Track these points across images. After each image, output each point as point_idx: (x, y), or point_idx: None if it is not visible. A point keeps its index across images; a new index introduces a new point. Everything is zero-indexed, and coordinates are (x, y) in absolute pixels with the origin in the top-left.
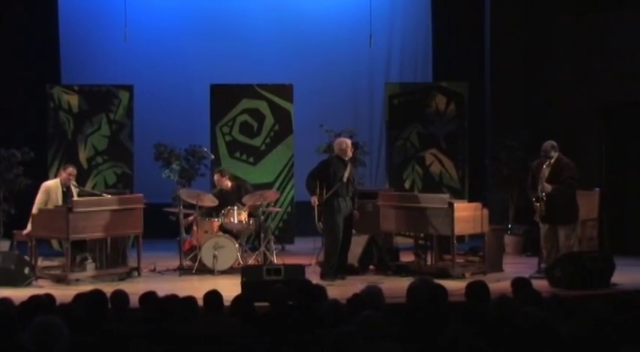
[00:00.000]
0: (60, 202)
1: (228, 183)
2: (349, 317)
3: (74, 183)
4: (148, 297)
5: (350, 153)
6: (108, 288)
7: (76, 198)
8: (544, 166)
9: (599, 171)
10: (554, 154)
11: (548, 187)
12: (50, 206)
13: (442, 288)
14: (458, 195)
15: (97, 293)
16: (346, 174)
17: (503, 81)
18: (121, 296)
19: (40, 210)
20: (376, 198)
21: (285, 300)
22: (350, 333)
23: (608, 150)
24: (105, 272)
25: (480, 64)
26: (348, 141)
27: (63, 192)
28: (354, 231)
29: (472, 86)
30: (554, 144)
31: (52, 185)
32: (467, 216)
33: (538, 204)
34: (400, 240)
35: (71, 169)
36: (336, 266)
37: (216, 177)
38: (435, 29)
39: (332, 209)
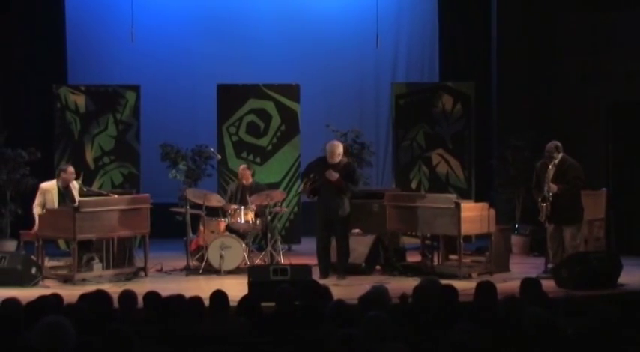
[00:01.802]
0: (56, 204)
1: (250, 179)
2: (358, 317)
3: (80, 182)
4: (151, 297)
5: (333, 158)
6: (114, 288)
7: (76, 196)
8: (549, 167)
9: (606, 171)
10: (558, 155)
11: (554, 187)
12: (38, 210)
13: (452, 288)
14: (464, 195)
15: (101, 293)
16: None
17: (510, 81)
18: (129, 296)
19: (47, 211)
20: (382, 198)
21: (291, 300)
22: (356, 333)
23: (615, 150)
24: (111, 272)
25: (487, 64)
26: (334, 147)
27: (60, 193)
28: (359, 231)
29: (479, 86)
30: (558, 144)
31: (48, 187)
32: (473, 216)
33: (544, 205)
34: (407, 240)
35: (71, 169)
36: (325, 265)
37: (241, 168)
38: (442, 29)
39: (316, 211)
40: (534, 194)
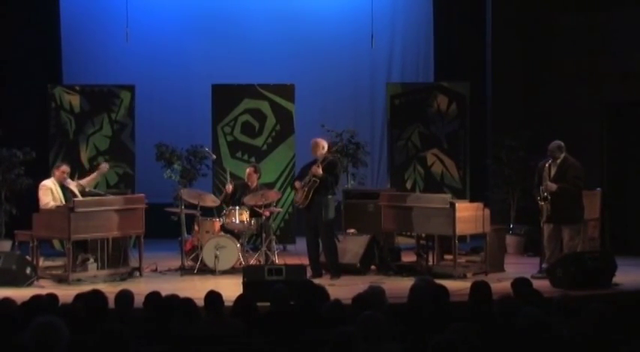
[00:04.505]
0: (63, 199)
1: (255, 183)
2: (353, 317)
3: (78, 181)
4: (153, 297)
5: (315, 153)
6: (109, 288)
7: (77, 193)
8: (549, 165)
9: (601, 171)
10: (560, 155)
11: (553, 186)
12: (53, 204)
13: (444, 288)
14: (459, 195)
15: (97, 293)
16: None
17: (505, 81)
18: (125, 296)
19: (42, 210)
20: (377, 198)
21: (286, 300)
22: (351, 333)
23: (610, 150)
24: (106, 272)
25: (482, 64)
26: (317, 141)
27: (62, 188)
28: (353, 231)
29: (473, 86)
30: (561, 144)
31: (50, 184)
32: (468, 216)
33: (543, 204)
34: (401, 240)
35: (64, 167)
36: (315, 265)
37: (248, 170)
38: (437, 29)
39: (303, 211)
40: (535, 193)
